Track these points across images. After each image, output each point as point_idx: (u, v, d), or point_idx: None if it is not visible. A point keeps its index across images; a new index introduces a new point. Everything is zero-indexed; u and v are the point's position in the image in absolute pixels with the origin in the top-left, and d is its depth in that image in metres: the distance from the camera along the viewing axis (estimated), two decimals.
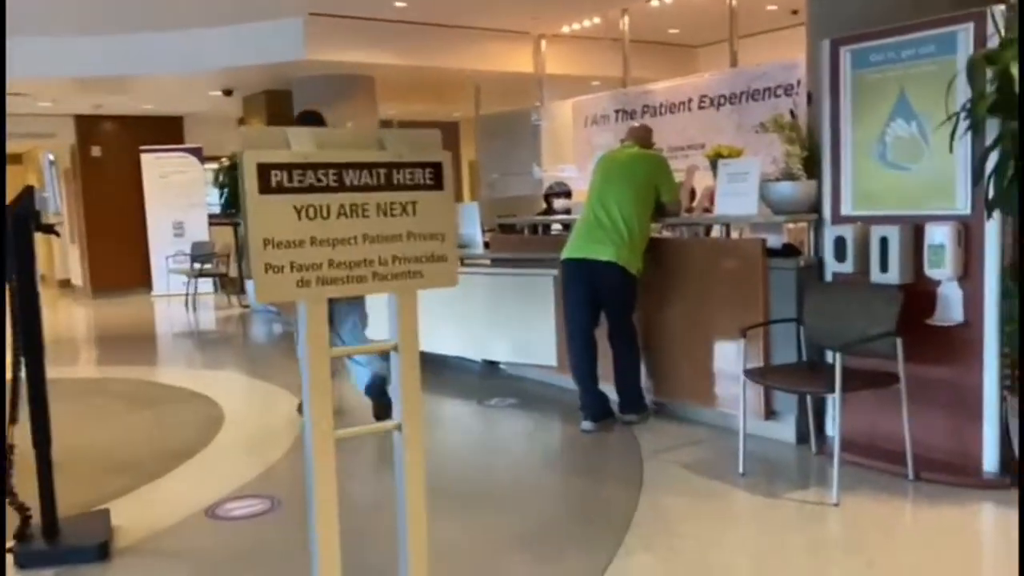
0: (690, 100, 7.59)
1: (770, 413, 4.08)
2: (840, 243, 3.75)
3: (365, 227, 1.84)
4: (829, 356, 3.70)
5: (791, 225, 4.40)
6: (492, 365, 5.99)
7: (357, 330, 4.55)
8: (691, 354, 4.40)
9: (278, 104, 10.13)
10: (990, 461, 3.41)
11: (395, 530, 2.15)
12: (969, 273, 3.43)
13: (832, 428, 3.94)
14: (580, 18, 8.50)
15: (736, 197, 4.22)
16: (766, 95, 6.76)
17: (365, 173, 1.84)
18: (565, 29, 8.98)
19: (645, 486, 3.61)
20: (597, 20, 8.48)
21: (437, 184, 1.93)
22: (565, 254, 4.48)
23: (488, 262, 5.89)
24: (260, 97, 10.53)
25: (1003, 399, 3.34)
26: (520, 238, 6.47)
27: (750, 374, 3.63)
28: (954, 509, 3.20)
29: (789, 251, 4.24)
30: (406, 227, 1.89)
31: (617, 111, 8.23)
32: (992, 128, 3.22)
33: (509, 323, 5.42)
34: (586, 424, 4.41)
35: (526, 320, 5.25)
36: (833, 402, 3.59)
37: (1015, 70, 2.98)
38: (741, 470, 3.67)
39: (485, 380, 5.81)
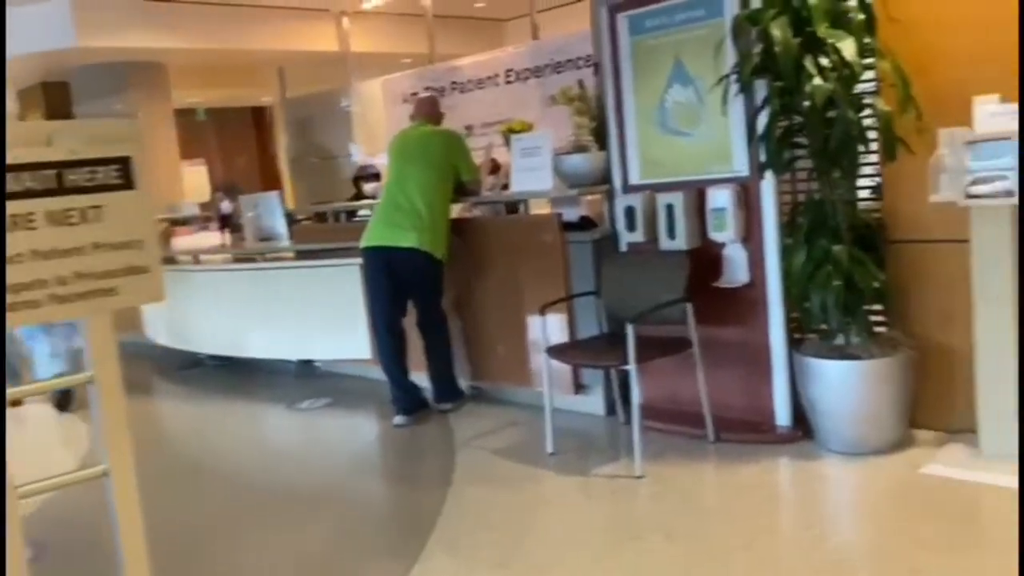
0: (497, 75, 7.47)
1: (579, 387, 4.03)
2: (630, 212, 3.73)
3: (32, 241, 1.53)
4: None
5: (591, 197, 4.36)
6: (308, 364, 5.66)
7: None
8: (503, 335, 4.29)
9: (57, 97, 9.18)
10: (782, 416, 3.50)
11: None
12: (751, 234, 3.49)
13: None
14: None
15: (530, 172, 4.12)
16: (568, 67, 6.73)
17: (27, 176, 1.53)
18: (367, 5, 8.62)
19: (455, 480, 3.46)
20: None
21: (127, 183, 1.64)
22: (364, 242, 4.23)
23: (293, 255, 5.55)
24: (36, 90, 9.50)
25: (790, 354, 3.42)
26: (329, 227, 6.15)
27: (551, 351, 3.54)
28: (751, 467, 3.25)
29: (587, 224, 4.20)
30: (90, 237, 1.60)
31: (427, 88, 7.99)
32: (761, 89, 3.26)
33: (319, 318, 5.11)
34: (398, 419, 4.22)
35: (336, 314, 4.96)
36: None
37: (776, 30, 3.01)
38: (551, 449, 3.60)
39: (300, 381, 5.48)
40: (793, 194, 3.57)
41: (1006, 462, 2.89)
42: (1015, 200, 2.79)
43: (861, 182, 3.43)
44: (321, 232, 5.92)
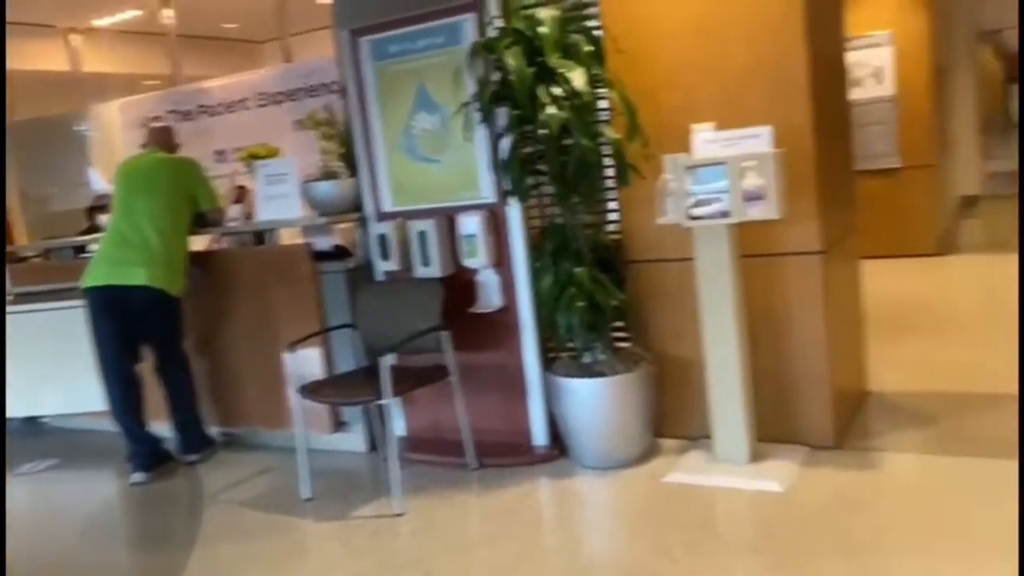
0: (248, 98, 7.12)
1: (339, 425, 3.87)
2: (383, 240, 3.64)
3: None
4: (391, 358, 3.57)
5: (346, 225, 4.22)
6: (32, 422, 5.00)
7: None
8: (255, 374, 4.02)
9: None
10: (539, 436, 3.55)
11: None
12: (502, 259, 3.52)
13: (397, 431, 3.84)
14: (113, 10, 7.54)
15: (277, 200, 3.92)
16: (323, 91, 6.55)
17: None
18: (99, 23, 7.92)
19: (202, 538, 3.16)
20: (137, 13, 7.60)
21: None
22: (86, 281, 3.79)
23: (11, 299, 4.88)
24: None
25: (544, 375, 3.48)
26: (56, 264, 5.49)
27: (303, 391, 3.35)
28: (511, 491, 3.25)
29: (341, 253, 4.05)
30: None
31: (171, 112, 7.46)
32: (502, 117, 3.30)
33: (43, 369, 4.53)
34: (136, 476, 3.81)
35: (62, 363, 4.41)
36: (395, 406, 3.47)
37: (511, 59, 3.06)
38: (308, 494, 3.40)
39: (23, 442, 4.82)
40: (542, 218, 3.66)
41: (736, 465, 3.11)
42: (731, 220, 3.02)
43: (601, 206, 3.58)
44: (46, 271, 5.28)
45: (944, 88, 8.65)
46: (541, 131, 3.08)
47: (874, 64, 7.24)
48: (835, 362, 3.32)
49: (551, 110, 3.04)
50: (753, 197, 2.98)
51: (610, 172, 3.36)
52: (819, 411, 3.28)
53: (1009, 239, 7.93)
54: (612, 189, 3.51)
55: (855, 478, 3.01)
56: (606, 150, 3.24)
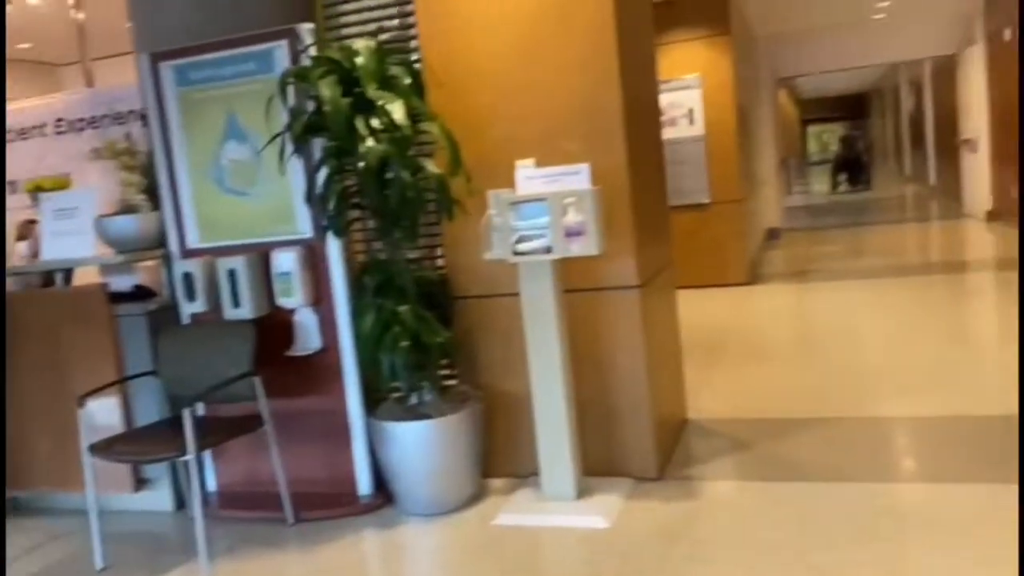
0: (45, 124, 6.50)
1: (141, 483, 3.51)
2: (189, 280, 3.36)
3: None
4: (200, 407, 3.29)
5: (148, 264, 3.88)
6: None
7: None
8: (45, 431, 3.58)
9: None
10: (364, 485, 3.37)
11: None
12: (321, 297, 3.34)
13: (208, 486, 3.55)
14: None
15: (67, 236, 3.54)
16: (130, 118, 6.09)
17: None
18: None
19: None
20: None
21: None
22: None
23: None
24: None
25: (368, 420, 3.32)
26: None
27: (94, 449, 3.00)
28: (332, 546, 3.05)
29: (144, 294, 3.72)
30: None
31: None
32: (318, 149, 3.15)
33: None
34: None
35: None
36: (202, 459, 3.19)
37: (325, 90, 2.93)
38: (101, 564, 3.04)
39: None
40: (366, 253, 3.52)
41: (564, 502, 3.09)
42: (554, 256, 3.01)
43: (427, 240, 3.50)
44: None
45: (749, 129, 9.31)
46: (360, 164, 2.96)
47: (686, 106, 7.67)
48: (656, 392, 3.39)
49: (370, 143, 2.93)
50: (574, 233, 3.00)
51: (435, 206, 3.29)
52: (642, 443, 3.32)
53: (807, 268, 8.62)
54: (437, 224, 3.43)
55: (676, 509, 3.06)
56: (430, 184, 3.17)
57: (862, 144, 22.26)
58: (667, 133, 7.77)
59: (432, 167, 3.11)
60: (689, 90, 7.64)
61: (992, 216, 10.38)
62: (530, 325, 3.12)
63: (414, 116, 3.08)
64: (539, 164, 3.20)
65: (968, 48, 10.89)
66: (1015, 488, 2.86)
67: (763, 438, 3.71)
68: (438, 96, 3.29)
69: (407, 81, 3.05)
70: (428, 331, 3.13)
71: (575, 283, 3.26)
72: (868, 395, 4.18)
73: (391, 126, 2.95)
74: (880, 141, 26.95)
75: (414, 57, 3.34)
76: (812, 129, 37.33)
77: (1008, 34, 9.10)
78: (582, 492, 3.14)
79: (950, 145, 12.55)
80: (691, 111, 7.66)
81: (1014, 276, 7.05)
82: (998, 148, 10.04)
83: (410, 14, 3.44)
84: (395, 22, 3.49)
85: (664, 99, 7.73)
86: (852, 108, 35.20)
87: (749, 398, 4.38)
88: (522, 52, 3.27)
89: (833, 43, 11.97)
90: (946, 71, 12.60)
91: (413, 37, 3.40)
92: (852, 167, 21.27)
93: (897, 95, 20.04)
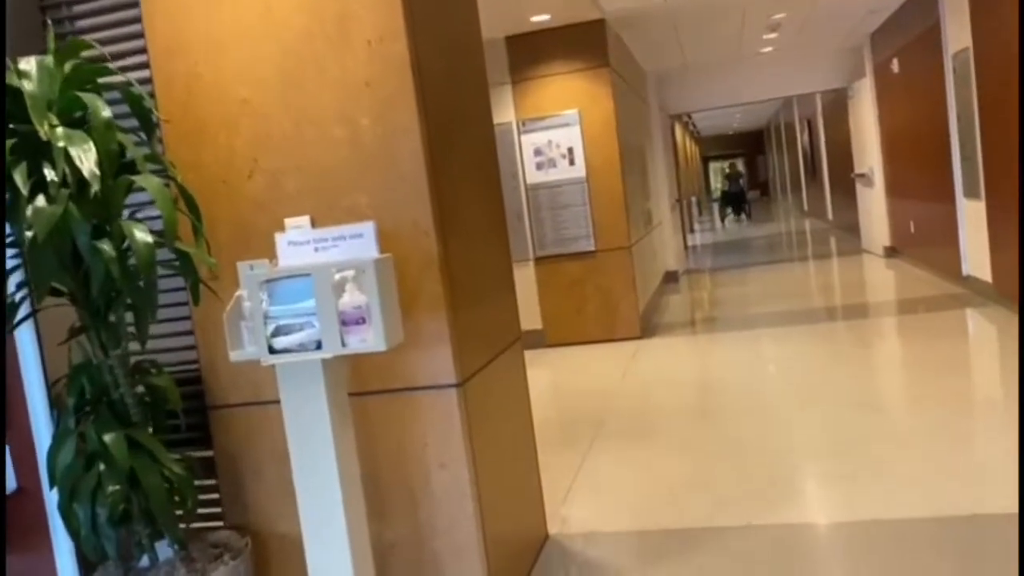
0: None
1: None
2: None
3: None
4: None
5: None
6: None
7: None
8: None
9: None
10: None
11: None
12: (13, 420, 2.38)
13: None
14: None
15: None
16: None
17: None
18: None
19: None
20: None
21: None
22: None
23: None
24: None
25: None
26: None
27: None
28: None
29: None
30: None
31: None
32: None
33: None
34: None
35: None
36: None
37: None
38: None
39: None
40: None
41: None
42: (325, 354, 2.15)
43: (177, 332, 2.59)
44: None
45: (642, 168, 8.73)
46: (27, 232, 2.03)
47: (565, 144, 6.98)
48: (492, 519, 2.54)
49: (40, 202, 2.02)
50: (352, 321, 2.14)
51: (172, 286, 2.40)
52: None
53: (706, 316, 8.00)
54: (181, 310, 2.53)
55: None
56: (146, 258, 2.26)
57: (743, 180, 24.46)
58: (545, 175, 7.06)
59: (144, 235, 2.18)
60: (568, 127, 6.96)
61: (890, 252, 10.07)
62: (296, 446, 2.23)
63: (128, 165, 2.19)
64: (317, 224, 2.36)
65: (858, 81, 10.68)
66: None
67: (644, 561, 2.90)
68: (173, 136, 2.42)
69: (104, 115, 2.15)
70: (147, 468, 2.20)
71: (369, 383, 2.41)
72: (779, 489, 3.41)
73: (75, 178, 2.05)
74: (780, 176, 27.31)
75: (138, 78, 2.44)
76: (715, 165, 37.98)
77: (896, 66, 8.83)
78: None
79: (846, 179, 12.35)
80: (571, 150, 6.98)
81: (920, 319, 6.56)
82: (891, 182, 9.76)
83: (138, 23, 2.55)
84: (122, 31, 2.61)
85: (541, 137, 7.04)
86: (751, 144, 35.95)
87: (630, 498, 3.57)
88: (289, 77, 2.43)
89: (724, 79, 11.65)
90: (838, 105, 12.44)
91: (135, 52, 2.52)
92: (736, 200, 23.09)
93: (793, 130, 20.17)
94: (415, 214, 2.36)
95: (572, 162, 6.98)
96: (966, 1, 6.23)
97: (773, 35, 9.30)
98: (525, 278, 7.16)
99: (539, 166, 7.04)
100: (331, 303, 2.12)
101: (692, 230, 20.04)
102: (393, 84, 2.35)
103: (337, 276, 2.12)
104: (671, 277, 10.65)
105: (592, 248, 7.01)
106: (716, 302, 9.00)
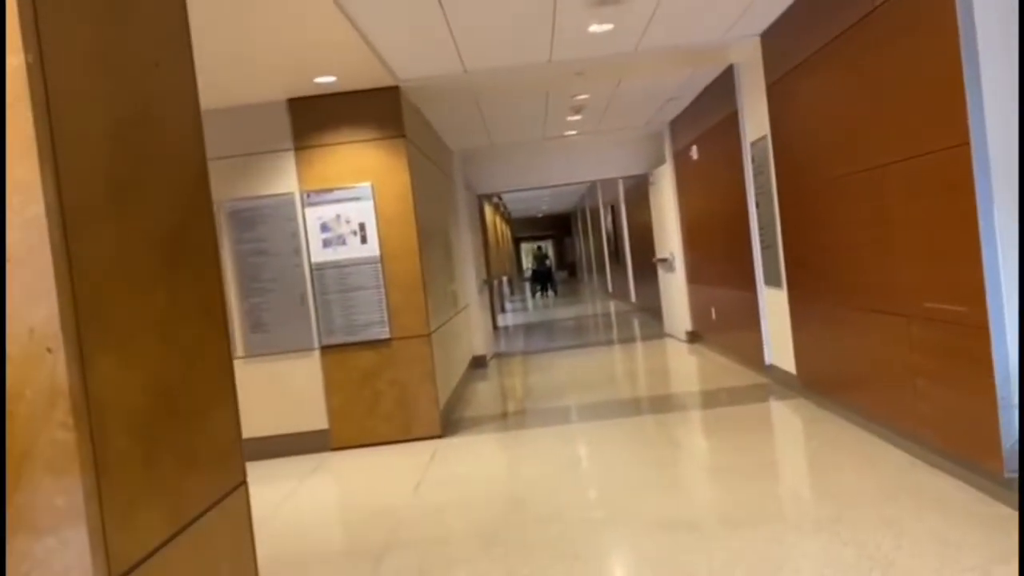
0: None
1: None
2: None
3: None
4: None
5: None
6: None
7: None
8: None
9: None
10: None
11: None
12: None
13: None
14: None
15: None
16: None
17: None
18: None
19: None
20: None
21: None
22: None
23: None
24: None
25: None
26: None
27: None
28: None
29: None
30: None
31: None
32: None
33: None
34: None
35: None
36: None
37: None
38: None
39: None
40: None
41: None
42: None
43: None
44: None
45: (446, 248, 8.15)
46: None
47: (356, 220, 6.26)
48: None
49: None
50: None
51: None
52: None
53: (512, 409, 7.38)
54: None
55: None
56: None
57: (550, 261, 27.46)
58: (334, 253, 6.28)
59: None
60: (359, 201, 6.25)
61: (693, 337, 10.07)
62: None
63: None
64: None
65: (659, 168, 10.83)
66: None
67: None
68: None
69: None
70: None
71: None
72: None
73: None
74: (586, 258, 28.05)
75: None
76: (526, 246, 38.70)
77: (695, 152, 8.92)
78: None
79: (648, 263, 12.47)
80: (362, 226, 6.26)
81: (727, 413, 6.30)
82: (692, 268, 9.81)
83: None
84: None
85: (328, 211, 6.28)
86: (560, 226, 37.04)
87: None
88: None
89: (531, 161, 11.50)
90: (640, 191, 12.64)
91: None
92: (544, 279, 26.05)
93: (598, 214, 20.67)
94: (32, 318, 1.51)
95: (364, 239, 6.25)
96: (763, 90, 6.23)
97: (577, 117, 9.18)
98: (308, 370, 6.26)
99: (326, 243, 6.25)
100: None
101: (504, 310, 19.83)
102: None
103: None
104: (479, 362, 10.08)
105: (387, 336, 6.25)
106: (524, 391, 8.46)
